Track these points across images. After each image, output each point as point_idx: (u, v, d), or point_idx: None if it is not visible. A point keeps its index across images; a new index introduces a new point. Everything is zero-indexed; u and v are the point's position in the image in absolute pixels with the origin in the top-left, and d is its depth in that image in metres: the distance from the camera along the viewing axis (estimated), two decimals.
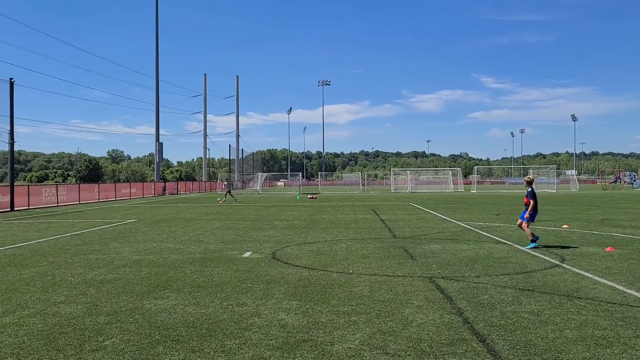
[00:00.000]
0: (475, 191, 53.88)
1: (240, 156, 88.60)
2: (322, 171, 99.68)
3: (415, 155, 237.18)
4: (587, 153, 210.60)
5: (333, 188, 76.32)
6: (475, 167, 69.73)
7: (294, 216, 21.15)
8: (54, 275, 8.57)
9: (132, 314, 6.04)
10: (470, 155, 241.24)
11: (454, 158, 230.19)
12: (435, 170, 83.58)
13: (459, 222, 17.59)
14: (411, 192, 53.93)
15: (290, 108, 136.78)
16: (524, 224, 11.36)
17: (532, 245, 11.17)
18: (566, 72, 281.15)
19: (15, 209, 26.94)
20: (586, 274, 8.34)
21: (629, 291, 7.09)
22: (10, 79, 27.57)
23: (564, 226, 16.00)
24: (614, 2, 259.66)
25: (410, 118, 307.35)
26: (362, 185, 66.34)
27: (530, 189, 11.48)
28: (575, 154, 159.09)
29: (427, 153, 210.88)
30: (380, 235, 13.89)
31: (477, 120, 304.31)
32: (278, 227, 16.40)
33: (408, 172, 62.89)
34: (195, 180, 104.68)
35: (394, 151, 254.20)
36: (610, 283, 7.61)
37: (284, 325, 5.57)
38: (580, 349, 4.79)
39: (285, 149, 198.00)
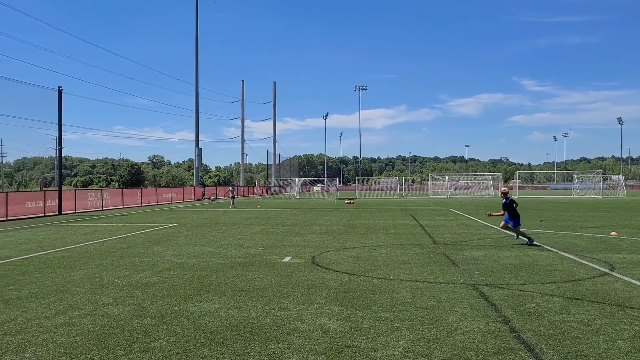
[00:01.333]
0: (516, 197, 52.66)
1: (277, 161, 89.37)
2: (358, 176, 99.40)
3: (454, 160, 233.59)
4: (634, 157, 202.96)
5: (370, 193, 76.02)
6: (517, 172, 68.19)
7: (331, 221, 21.15)
8: (102, 277, 8.83)
9: (178, 317, 6.16)
10: (510, 160, 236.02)
11: (494, 163, 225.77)
12: (475, 175, 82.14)
13: (500, 229, 17.20)
14: (450, 197, 53.18)
15: (327, 113, 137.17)
16: (504, 224, 13.15)
17: (529, 242, 12.56)
18: (611, 74, 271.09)
19: (62, 212, 27.92)
20: (638, 282, 8.03)
21: None
22: (59, 87, 28.66)
23: (612, 233, 15.46)
24: None
25: (448, 122, 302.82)
26: (400, 190, 65.85)
27: (504, 200, 13.13)
28: (622, 158, 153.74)
29: (465, 158, 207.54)
30: (420, 241, 13.75)
31: (518, 124, 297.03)
32: (316, 232, 16.43)
33: (447, 177, 62.06)
34: (234, 184, 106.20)
35: (432, 156, 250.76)
36: None
37: (327, 330, 5.57)
38: None
39: (321, 154, 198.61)
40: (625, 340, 5.20)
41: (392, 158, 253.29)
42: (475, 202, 40.23)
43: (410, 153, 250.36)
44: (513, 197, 13.59)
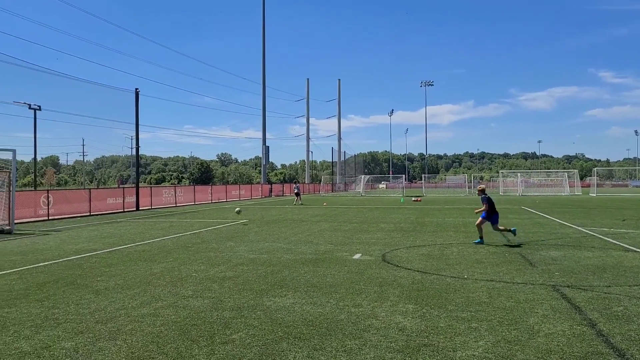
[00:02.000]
0: (594, 194, 50.01)
1: (342, 159, 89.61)
2: (425, 173, 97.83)
3: (525, 156, 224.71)
4: None
5: (437, 190, 74.64)
6: (595, 169, 64.78)
7: (399, 219, 20.95)
8: (180, 270, 9.20)
9: (254, 310, 6.31)
10: (587, 156, 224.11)
11: (569, 159, 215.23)
12: (548, 172, 78.72)
13: (579, 228, 16.42)
14: (522, 195, 51.28)
15: (392, 110, 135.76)
16: (481, 221, 12.78)
17: (478, 241, 12.58)
18: None
19: (140, 208, 29.32)
20: None
21: None
22: (136, 89, 30.08)
23: None
24: None
25: (519, 117, 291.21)
26: (468, 188, 64.23)
27: (483, 196, 13.01)
28: None
29: (537, 154, 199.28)
30: (493, 240, 13.35)
31: (595, 118, 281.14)
32: (385, 230, 16.34)
33: (518, 174, 59.87)
34: (298, 182, 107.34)
35: (501, 152, 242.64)
36: None
37: (403, 328, 5.53)
38: None
39: (386, 151, 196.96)
40: None
41: (459, 155, 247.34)
42: (550, 200, 38.57)
43: (478, 149, 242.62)
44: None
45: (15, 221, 17.86)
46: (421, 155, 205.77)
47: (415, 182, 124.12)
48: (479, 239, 12.64)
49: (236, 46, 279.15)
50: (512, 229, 12.97)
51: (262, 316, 6.05)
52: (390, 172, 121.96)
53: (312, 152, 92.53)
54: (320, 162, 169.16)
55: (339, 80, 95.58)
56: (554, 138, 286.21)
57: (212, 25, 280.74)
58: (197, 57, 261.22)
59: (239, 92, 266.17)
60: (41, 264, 10.16)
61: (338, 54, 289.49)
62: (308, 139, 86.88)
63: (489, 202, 12.79)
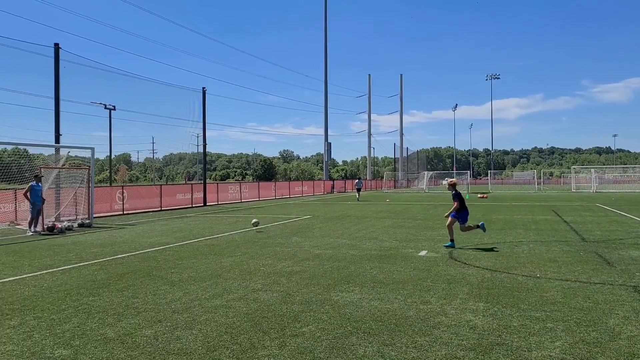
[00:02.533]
0: None
1: (404, 155, 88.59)
2: (490, 169, 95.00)
3: (598, 151, 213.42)
4: None
5: (503, 187, 72.33)
6: None
7: None
8: (249, 264, 9.44)
9: (322, 305, 6.39)
10: None
11: None
12: (624, 167, 74.43)
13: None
14: (596, 191, 48.79)
15: (456, 105, 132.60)
16: (452, 221, 11.54)
17: (449, 244, 11.34)
18: None
19: (207, 204, 30.28)
20: None
21: None
22: (203, 88, 31.03)
23: None
24: None
25: (592, 110, 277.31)
26: (537, 184, 61.87)
27: (454, 192, 11.72)
28: None
29: (612, 149, 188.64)
30: (566, 238, 12.81)
31: None
32: None
33: (592, 170, 56.99)
34: (359, 178, 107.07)
35: (573, 147, 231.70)
36: None
37: (474, 326, 5.42)
38: None
39: (450, 147, 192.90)
40: None
41: (527, 150, 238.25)
42: (627, 197, 36.47)
43: (547, 144, 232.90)
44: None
45: (94, 215, 18.92)
46: (486, 150, 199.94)
47: (480, 179, 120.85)
48: (450, 242, 11.40)
49: (298, 42, 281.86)
50: (479, 224, 11.89)
51: (330, 310, 6.12)
52: (454, 168, 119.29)
53: (373, 148, 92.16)
54: (381, 158, 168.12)
55: (401, 75, 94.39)
56: (632, 131, 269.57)
57: (273, 22, 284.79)
58: (259, 55, 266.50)
59: (301, 89, 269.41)
60: (119, 255, 10.73)
61: (400, 49, 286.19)
62: (369, 135, 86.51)
63: (459, 198, 11.53)
